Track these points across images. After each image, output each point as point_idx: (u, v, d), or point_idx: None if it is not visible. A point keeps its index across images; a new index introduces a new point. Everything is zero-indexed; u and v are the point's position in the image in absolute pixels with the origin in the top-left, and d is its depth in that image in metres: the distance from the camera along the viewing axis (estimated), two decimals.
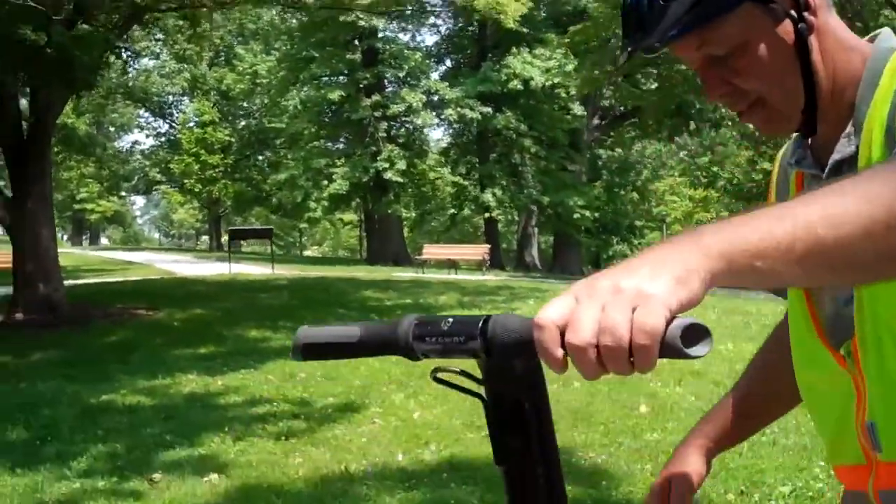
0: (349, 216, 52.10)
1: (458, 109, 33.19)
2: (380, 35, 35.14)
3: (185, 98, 51.77)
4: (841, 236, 0.84)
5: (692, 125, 32.83)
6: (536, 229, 37.70)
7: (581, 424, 6.59)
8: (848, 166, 1.21)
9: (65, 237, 66.90)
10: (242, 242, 53.10)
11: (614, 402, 7.32)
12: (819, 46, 1.23)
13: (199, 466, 6.02)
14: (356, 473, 5.75)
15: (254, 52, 42.61)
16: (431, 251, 28.83)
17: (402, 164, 32.47)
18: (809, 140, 1.30)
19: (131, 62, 39.35)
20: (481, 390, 1.04)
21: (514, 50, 33.02)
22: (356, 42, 34.36)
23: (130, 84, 48.16)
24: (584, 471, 5.45)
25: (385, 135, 33.50)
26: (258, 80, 41.47)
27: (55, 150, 25.85)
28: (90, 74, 13.73)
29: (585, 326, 0.79)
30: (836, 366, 1.20)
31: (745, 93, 1.23)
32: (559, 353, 0.81)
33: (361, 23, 29.92)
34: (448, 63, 39.93)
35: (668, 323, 0.78)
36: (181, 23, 20.22)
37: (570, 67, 30.08)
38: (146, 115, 55.01)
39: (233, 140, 46.34)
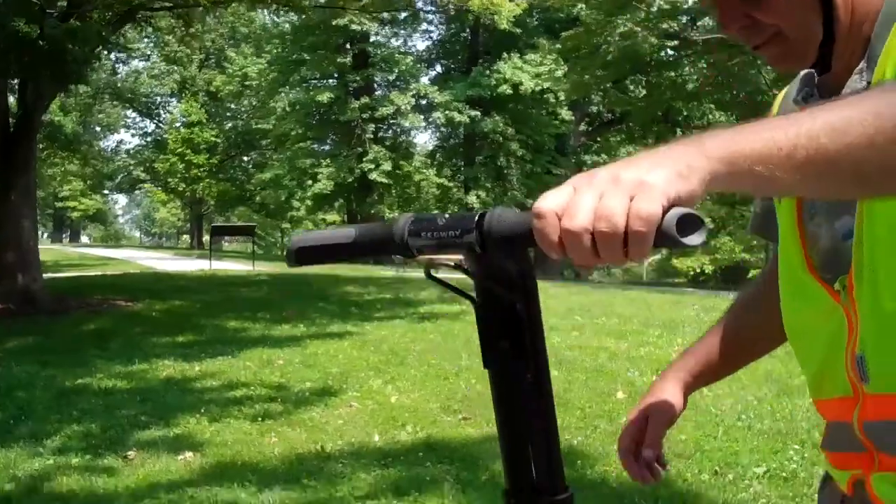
0: (332, 217, 52.09)
1: (447, 113, 33.24)
2: (372, 39, 35.21)
3: (174, 99, 51.77)
4: (844, 145, 0.84)
5: (679, 132, 32.94)
6: None
7: (558, 409, 6.50)
8: None
9: (45, 234, 66.64)
10: (224, 242, 52.99)
11: (591, 389, 7.32)
12: None
13: (174, 445, 5.99)
14: (332, 452, 5.73)
15: (244, 54, 42.63)
16: None
17: (387, 166, 32.52)
18: (817, 79, 1.28)
19: (122, 63, 39.46)
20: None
21: (504, 55, 33.10)
22: (348, 46, 34.41)
23: (119, 84, 48.21)
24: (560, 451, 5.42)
25: (372, 136, 33.55)
26: (247, 82, 41.47)
27: (40, 146, 25.77)
28: (82, 67, 13.71)
29: (582, 212, 0.79)
30: (829, 300, 1.20)
31: (763, 26, 1.21)
32: (557, 239, 0.81)
33: (354, 26, 29.92)
34: (438, 68, 40.06)
35: (665, 213, 0.78)
36: (174, 22, 20.18)
37: (560, 73, 30.15)
38: (133, 115, 55.02)
39: (219, 140, 46.34)
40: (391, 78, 35.05)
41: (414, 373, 8.36)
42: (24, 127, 14.42)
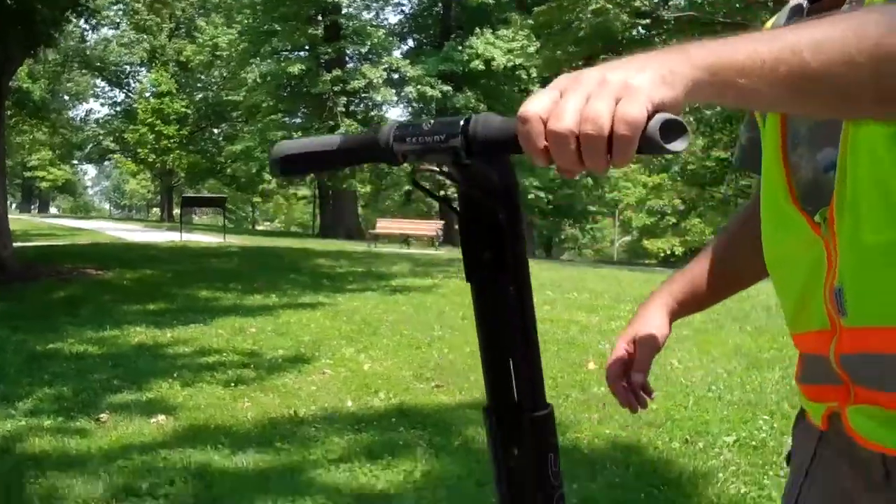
0: (303, 191, 51.91)
1: (419, 87, 33.15)
2: (343, 11, 34.97)
3: (143, 69, 51.30)
4: (825, 62, 0.85)
5: None
6: None
7: None
8: None
9: (13, 205, 65.95)
10: (194, 215, 52.71)
11: (563, 360, 7.37)
12: None
13: (146, 408, 5.98)
14: (305, 417, 5.75)
15: (215, 24, 42.20)
16: (384, 225, 28.70)
17: None
18: (805, 10, 1.26)
19: (91, 30, 38.97)
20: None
21: (477, 30, 33.01)
22: (319, 17, 34.16)
23: (88, 52, 47.65)
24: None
25: (343, 110, 33.40)
26: (218, 53, 41.07)
27: (8, 112, 25.43)
28: (51, 28, 13.53)
29: (568, 115, 0.79)
30: (810, 232, 1.19)
31: None
32: (542, 143, 0.81)
33: None
34: (411, 42, 39.89)
35: (650, 118, 0.78)
36: None
37: (532, 49, 30.11)
38: (102, 84, 54.46)
39: (189, 112, 45.97)
40: (363, 51, 34.87)
41: (386, 342, 8.38)
42: None
